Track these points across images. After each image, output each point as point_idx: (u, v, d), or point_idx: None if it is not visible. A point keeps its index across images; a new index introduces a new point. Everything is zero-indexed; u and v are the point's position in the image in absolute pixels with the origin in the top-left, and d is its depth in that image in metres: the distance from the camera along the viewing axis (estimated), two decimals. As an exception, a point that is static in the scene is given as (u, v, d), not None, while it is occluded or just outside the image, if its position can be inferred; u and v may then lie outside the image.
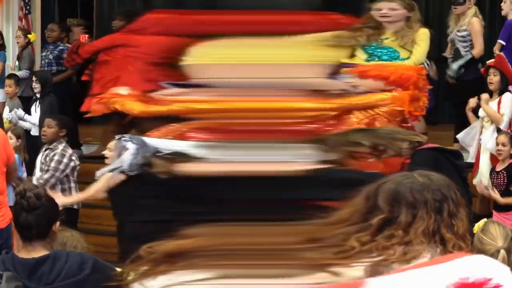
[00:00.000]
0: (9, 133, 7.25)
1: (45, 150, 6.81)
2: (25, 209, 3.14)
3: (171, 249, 2.41)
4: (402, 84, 6.26)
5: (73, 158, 6.82)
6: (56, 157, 6.67)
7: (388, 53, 7.00)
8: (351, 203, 2.48)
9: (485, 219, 3.02)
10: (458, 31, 7.33)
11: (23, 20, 10.86)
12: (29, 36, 9.66)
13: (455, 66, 7.37)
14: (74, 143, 6.99)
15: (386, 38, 7.01)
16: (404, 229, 2.37)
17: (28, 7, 10.90)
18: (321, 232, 2.41)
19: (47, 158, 6.73)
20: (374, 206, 2.42)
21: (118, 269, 2.89)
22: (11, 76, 8.94)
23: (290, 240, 2.41)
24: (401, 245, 2.34)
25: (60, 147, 6.75)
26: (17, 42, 9.55)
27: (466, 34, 7.27)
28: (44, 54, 9.37)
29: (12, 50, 9.95)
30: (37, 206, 3.15)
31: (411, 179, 2.45)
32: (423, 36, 6.95)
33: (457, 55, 7.38)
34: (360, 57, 7.04)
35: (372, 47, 7.06)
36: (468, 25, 7.28)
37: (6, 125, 8.17)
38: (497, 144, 5.92)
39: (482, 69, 7.00)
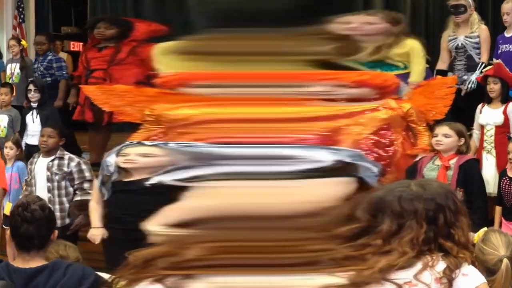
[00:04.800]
0: (9, 143, 7.18)
1: (53, 160, 6.52)
2: (28, 220, 3.15)
3: (147, 256, 2.41)
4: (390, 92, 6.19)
5: None
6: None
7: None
8: (333, 210, 2.46)
9: (485, 228, 3.00)
10: (469, 37, 7.23)
11: (17, 29, 10.86)
12: (22, 42, 9.62)
13: (473, 78, 7.10)
14: (75, 151, 6.90)
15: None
16: (384, 238, 2.33)
17: (22, 16, 10.90)
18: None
19: (57, 167, 6.51)
20: (353, 215, 2.39)
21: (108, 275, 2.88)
22: (6, 84, 8.91)
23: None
24: (376, 255, 2.30)
25: (67, 155, 6.59)
26: (12, 51, 9.50)
27: (478, 40, 7.20)
28: (36, 66, 9.36)
29: (6, 59, 9.92)
30: (41, 218, 3.17)
31: (403, 188, 2.42)
32: (417, 50, 6.65)
33: (470, 62, 7.25)
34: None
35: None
36: (479, 31, 7.23)
37: (3, 133, 8.17)
38: (509, 153, 5.81)
39: (478, 77, 6.97)
